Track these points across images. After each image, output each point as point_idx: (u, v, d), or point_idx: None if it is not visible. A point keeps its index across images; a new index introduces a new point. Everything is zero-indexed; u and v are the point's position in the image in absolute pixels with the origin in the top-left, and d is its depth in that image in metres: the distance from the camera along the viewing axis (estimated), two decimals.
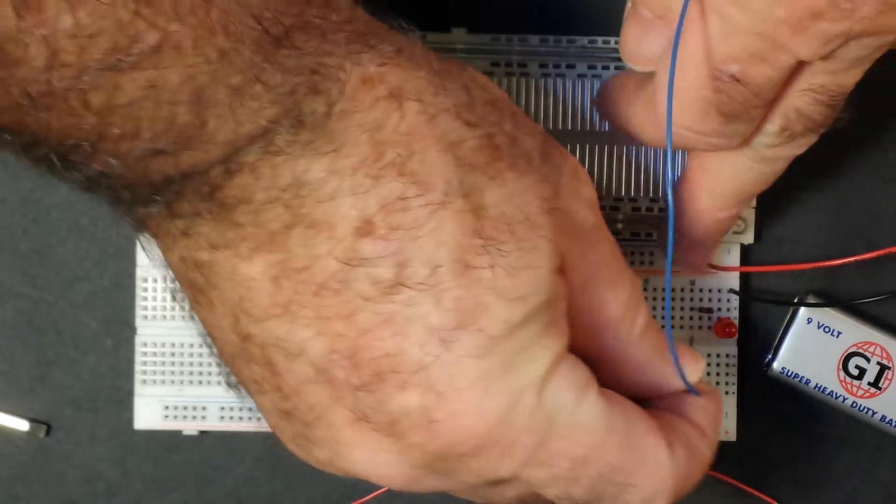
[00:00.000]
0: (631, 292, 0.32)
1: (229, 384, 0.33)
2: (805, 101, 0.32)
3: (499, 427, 0.29)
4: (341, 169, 0.28)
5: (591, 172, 0.40)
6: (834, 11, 0.29)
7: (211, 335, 0.31)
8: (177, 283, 0.31)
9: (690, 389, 0.33)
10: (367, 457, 0.30)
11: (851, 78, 0.32)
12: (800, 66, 0.31)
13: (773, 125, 0.33)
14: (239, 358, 0.31)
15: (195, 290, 0.30)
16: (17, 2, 0.24)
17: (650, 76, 0.34)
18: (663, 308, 0.41)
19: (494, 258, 0.29)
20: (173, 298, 0.34)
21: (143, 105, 0.26)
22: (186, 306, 0.32)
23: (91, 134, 0.26)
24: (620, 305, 0.32)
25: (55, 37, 0.24)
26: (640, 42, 0.33)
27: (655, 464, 0.31)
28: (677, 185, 0.37)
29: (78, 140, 0.26)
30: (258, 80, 0.26)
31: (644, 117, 0.35)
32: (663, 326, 0.33)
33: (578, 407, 0.30)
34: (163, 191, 0.28)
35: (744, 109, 0.32)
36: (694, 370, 0.34)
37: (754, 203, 0.41)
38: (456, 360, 0.29)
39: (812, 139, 0.34)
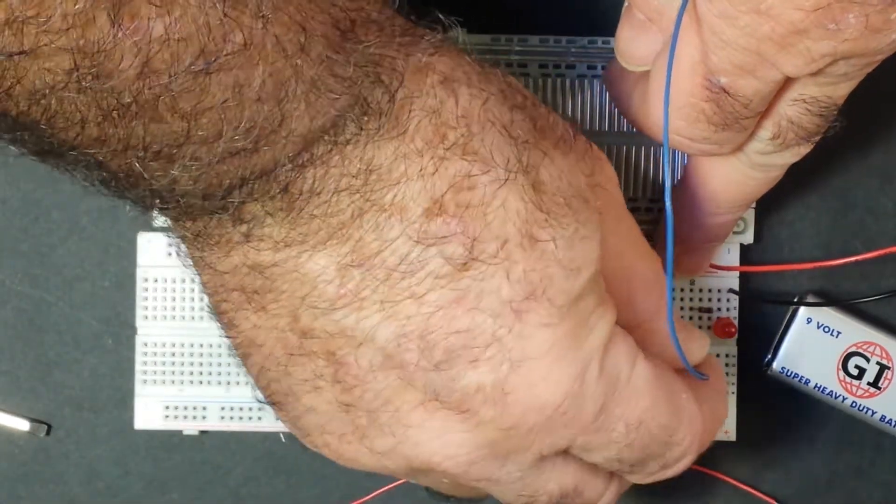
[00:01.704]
0: (658, 265, 0.33)
1: (260, 399, 0.33)
2: (796, 110, 0.33)
3: (569, 396, 0.30)
4: (408, 153, 0.29)
5: None
6: (818, 30, 0.29)
7: (257, 343, 0.32)
8: (217, 295, 0.31)
9: (692, 372, 0.34)
10: (435, 436, 0.31)
11: (842, 90, 0.32)
12: (790, 79, 0.31)
13: (766, 132, 0.33)
14: (294, 359, 0.31)
15: (247, 295, 0.31)
16: (112, 10, 0.24)
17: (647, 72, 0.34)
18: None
19: (556, 231, 0.30)
20: (212, 310, 0.34)
21: (228, 105, 0.26)
22: (224, 318, 0.32)
23: (177, 138, 0.26)
24: (650, 277, 0.33)
25: (148, 44, 0.25)
26: (632, 42, 0.33)
27: (690, 420, 0.33)
28: (676, 188, 0.37)
29: (162, 146, 0.26)
30: (332, 73, 0.27)
31: (641, 111, 0.35)
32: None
33: (633, 372, 0.31)
34: (234, 194, 0.28)
35: (733, 119, 0.32)
36: (700, 346, 0.35)
37: (754, 203, 0.41)
38: (529, 330, 0.30)
39: (805, 148, 0.34)
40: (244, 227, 0.29)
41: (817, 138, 0.34)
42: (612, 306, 0.31)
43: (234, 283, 0.31)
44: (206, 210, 0.29)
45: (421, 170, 0.29)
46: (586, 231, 0.30)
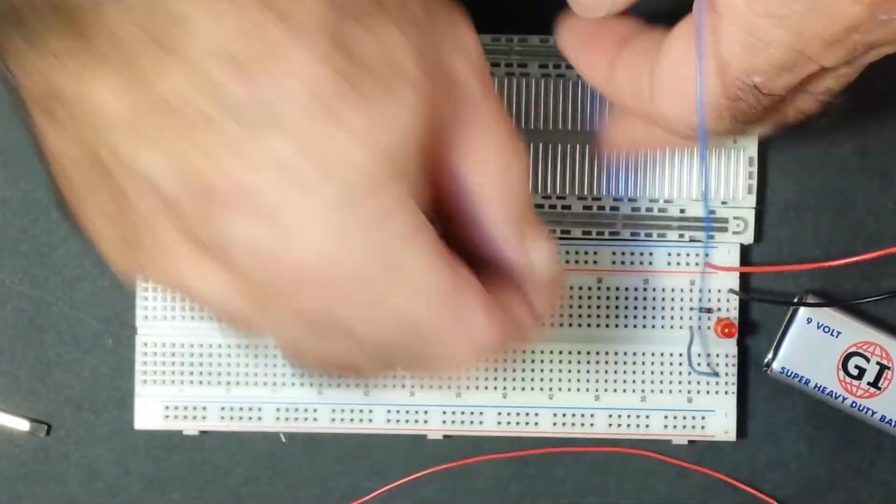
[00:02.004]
0: (509, 167, 0.31)
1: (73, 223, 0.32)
2: (808, 100, 0.32)
3: (335, 266, 0.29)
4: None
5: (591, 172, 0.40)
6: (871, 23, 0.28)
7: (59, 163, 0.30)
8: (30, 114, 0.30)
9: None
10: (198, 278, 0.30)
11: (853, 77, 0.32)
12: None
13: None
14: (85, 185, 0.30)
15: (47, 116, 0.29)
16: None
17: (617, 25, 0.33)
18: (663, 308, 0.41)
19: (359, 104, 0.28)
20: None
21: None
22: (36, 133, 0.31)
23: None
24: (492, 176, 0.31)
25: None
26: None
27: (469, 327, 0.31)
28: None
29: None
30: None
31: (636, 92, 0.34)
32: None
33: (413, 263, 0.29)
34: (28, 15, 0.27)
35: (759, 115, 0.31)
36: (538, 253, 0.33)
37: (754, 203, 0.41)
38: (305, 201, 0.28)
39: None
40: (38, 46, 0.28)
41: None
42: (412, 188, 0.29)
43: (36, 105, 0.29)
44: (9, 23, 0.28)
45: (211, 13, 0.27)
46: (397, 111, 0.28)
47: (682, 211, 0.41)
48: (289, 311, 0.30)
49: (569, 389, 0.41)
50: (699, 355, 0.41)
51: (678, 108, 0.32)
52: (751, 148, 0.41)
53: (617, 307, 0.41)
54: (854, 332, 0.41)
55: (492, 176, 0.31)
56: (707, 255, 0.41)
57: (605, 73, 0.34)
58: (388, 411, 0.41)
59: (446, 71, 0.30)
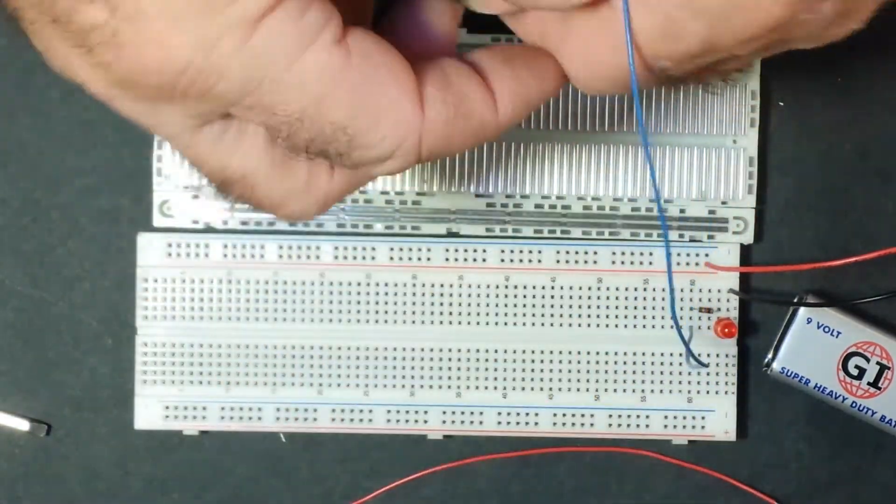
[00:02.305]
0: None
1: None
2: (712, 76, 0.31)
3: (190, 66, 0.27)
4: None
5: (591, 172, 0.40)
6: (791, 23, 0.28)
7: None
8: None
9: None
10: (84, 74, 0.28)
11: (763, 56, 0.31)
12: None
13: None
14: None
15: None
16: None
17: None
18: (663, 308, 0.41)
19: None
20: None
21: None
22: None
23: None
24: None
25: None
26: None
27: (395, 120, 0.29)
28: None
29: None
30: None
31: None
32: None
33: (299, 57, 0.28)
34: None
35: (663, 81, 0.30)
36: None
37: (754, 203, 0.41)
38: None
39: None
40: None
41: None
42: None
43: None
44: None
45: None
46: None
47: (681, 211, 0.41)
48: (182, 114, 0.29)
49: (569, 389, 0.41)
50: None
51: (584, 75, 0.31)
52: (751, 148, 0.41)
53: (617, 307, 0.41)
54: (854, 332, 0.41)
55: None
56: (669, 254, 0.41)
57: (509, 10, 0.32)
58: (388, 411, 0.41)
59: None
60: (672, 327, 0.41)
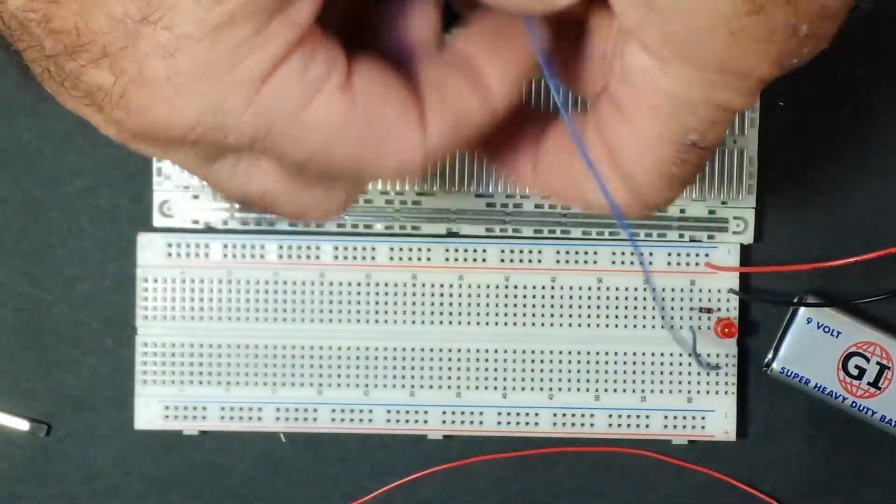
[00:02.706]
0: None
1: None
2: None
3: (198, 125, 0.28)
4: None
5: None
6: (779, 71, 0.28)
7: None
8: None
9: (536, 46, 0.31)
10: (94, 121, 0.29)
11: None
12: None
13: None
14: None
15: None
16: None
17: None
18: (663, 308, 0.41)
19: None
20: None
21: None
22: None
23: None
24: None
25: None
26: None
27: (398, 151, 0.30)
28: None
29: None
30: None
31: (571, 194, 0.32)
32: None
33: (306, 108, 0.29)
34: None
35: (701, 165, 0.31)
36: None
37: (754, 203, 0.41)
38: (143, 54, 0.27)
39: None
40: None
41: None
42: (293, 25, 0.28)
43: None
44: None
45: None
46: None
47: (682, 211, 0.41)
48: (198, 157, 0.29)
49: (569, 389, 0.41)
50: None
51: (631, 194, 0.31)
52: (751, 148, 0.41)
53: (617, 307, 0.41)
54: (854, 332, 0.41)
55: None
56: (641, 254, 0.41)
57: (531, 175, 0.33)
58: (388, 411, 0.41)
59: None
60: (673, 327, 0.41)
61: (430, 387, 0.41)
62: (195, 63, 0.27)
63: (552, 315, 0.41)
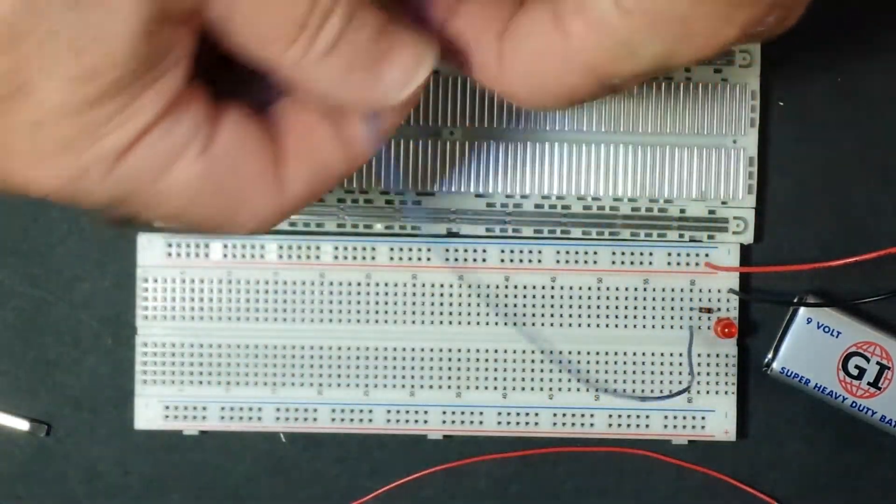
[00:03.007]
0: (302, 8, 0.28)
1: None
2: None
3: (59, 192, 0.29)
4: None
5: (591, 172, 0.40)
6: (742, 39, 0.28)
7: None
8: None
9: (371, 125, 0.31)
10: None
11: None
12: None
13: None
14: None
15: None
16: None
17: None
18: (663, 308, 0.41)
19: (54, 26, 0.26)
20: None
21: None
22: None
23: None
24: (281, 28, 0.28)
25: None
26: None
27: (253, 210, 0.30)
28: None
29: None
30: None
31: (478, 65, 0.31)
32: None
33: (167, 173, 0.29)
34: None
35: (612, 90, 0.31)
36: (398, 80, 0.30)
37: (754, 203, 0.41)
38: (9, 125, 0.27)
39: None
40: None
41: None
42: (158, 97, 0.28)
43: None
44: None
45: None
46: (105, 27, 0.26)
47: (682, 211, 0.41)
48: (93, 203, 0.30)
49: (569, 389, 0.41)
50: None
51: (526, 91, 0.31)
52: (751, 148, 0.41)
53: (617, 307, 0.41)
54: (854, 332, 0.41)
55: (284, 29, 0.28)
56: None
57: (496, 66, 0.31)
58: (388, 411, 0.41)
59: None
60: (672, 327, 0.41)
61: (430, 387, 0.41)
62: (59, 137, 0.28)
63: (552, 315, 0.41)
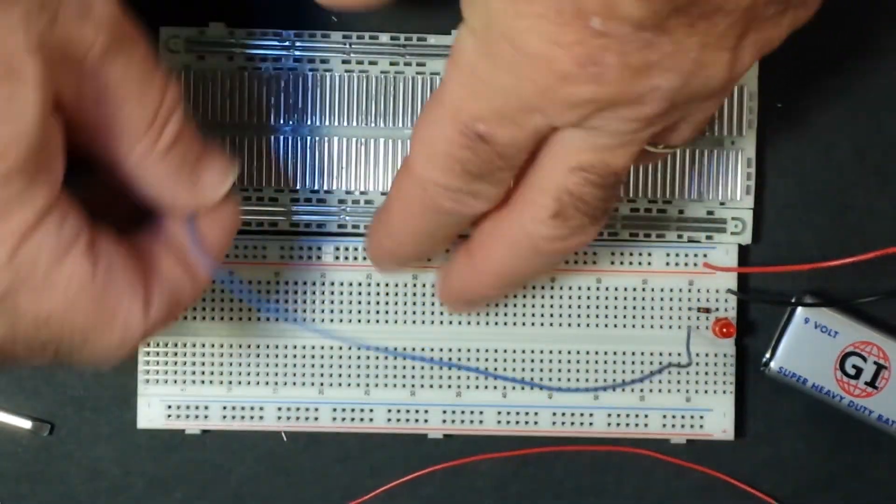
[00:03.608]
0: (152, 109, 0.31)
1: None
2: (575, 181, 0.31)
3: None
4: None
5: None
6: (582, 75, 0.28)
7: None
8: None
9: (194, 244, 0.33)
10: None
11: (619, 158, 0.31)
12: (560, 140, 0.31)
13: (547, 210, 0.32)
14: None
15: None
16: None
17: None
18: (662, 308, 0.41)
19: None
20: None
21: None
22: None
23: None
24: (137, 124, 0.31)
25: None
26: None
27: (125, 323, 0.32)
28: (462, 252, 0.37)
29: None
30: None
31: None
32: None
33: (57, 267, 0.30)
34: None
35: (489, 171, 0.31)
36: (214, 182, 0.33)
37: (752, 204, 0.41)
38: None
39: (588, 232, 0.33)
40: None
41: (603, 221, 0.33)
42: (51, 185, 0.29)
43: None
44: None
45: None
46: (11, 111, 0.28)
47: (680, 212, 0.41)
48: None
49: (568, 389, 0.41)
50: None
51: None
52: (749, 149, 0.41)
53: (616, 307, 0.41)
54: (851, 331, 0.41)
55: (138, 125, 0.31)
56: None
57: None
58: (389, 411, 0.41)
59: (63, 35, 0.29)
60: (671, 327, 0.41)
61: (431, 386, 0.41)
62: None
63: (552, 315, 0.41)
